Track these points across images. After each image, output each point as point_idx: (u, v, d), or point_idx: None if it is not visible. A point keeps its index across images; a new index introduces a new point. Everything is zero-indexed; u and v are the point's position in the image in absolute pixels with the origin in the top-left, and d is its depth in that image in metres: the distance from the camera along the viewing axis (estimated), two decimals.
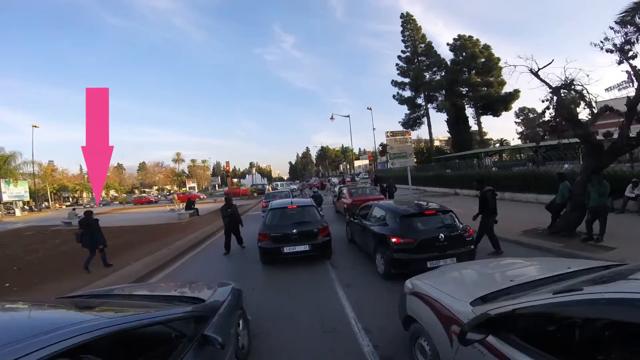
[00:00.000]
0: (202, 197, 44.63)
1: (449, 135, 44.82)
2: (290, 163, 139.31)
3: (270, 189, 34.57)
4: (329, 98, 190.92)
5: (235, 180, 71.24)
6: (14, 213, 35.81)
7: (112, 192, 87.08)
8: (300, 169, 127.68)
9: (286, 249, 6.39)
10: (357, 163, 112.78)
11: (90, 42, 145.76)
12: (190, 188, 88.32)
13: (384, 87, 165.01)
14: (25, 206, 41.89)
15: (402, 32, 41.56)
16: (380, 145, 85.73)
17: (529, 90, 25.42)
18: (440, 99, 40.56)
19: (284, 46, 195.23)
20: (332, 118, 29.72)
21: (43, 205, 50.27)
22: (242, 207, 21.43)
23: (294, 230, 6.49)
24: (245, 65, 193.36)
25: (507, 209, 10.94)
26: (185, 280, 5.87)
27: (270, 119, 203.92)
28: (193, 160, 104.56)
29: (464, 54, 38.10)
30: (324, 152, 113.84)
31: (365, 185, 15.49)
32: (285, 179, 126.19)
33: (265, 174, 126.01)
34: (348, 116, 30.37)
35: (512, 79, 49.35)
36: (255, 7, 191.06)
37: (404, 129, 19.35)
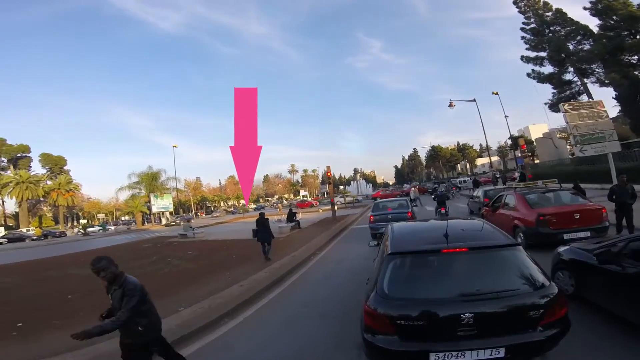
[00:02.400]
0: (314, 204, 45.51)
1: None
2: (395, 167, 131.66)
3: (415, 191, 25.48)
4: (430, 96, 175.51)
5: (341, 187, 70.10)
6: (160, 222, 42.98)
7: (243, 202, 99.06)
8: (407, 172, 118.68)
9: (442, 358, 2.39)
10: (479, 161, 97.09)
11: (214, 72, 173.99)
12: (303, 196, 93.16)
13: (495, 76, 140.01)
14: (170, 216, 49.93)
15: (515, 2, 34.67)
16: (509, 138, 70.87)
17: None
18: (597, 71, 30.52)
19: (372, 52, 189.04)
20: (450, 105, 23.80)
21: (192, 216, 59.76)
22: (344, 218, 18.18)
23: (467, 314, 2.36)
24: (340, 76, 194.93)
25: None
26: None
27: (370, 125, 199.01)
28: (305, 171, 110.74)
29: (614, 17, 28.38)
30: (435, 151, 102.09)
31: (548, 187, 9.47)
32: (391, 184, 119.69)
33: (370, 179, 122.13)
34: (474, 100, 23.76)
35: None
36: (337, 20, 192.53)
37: (590, 101, 12.31)
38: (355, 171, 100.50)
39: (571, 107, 11.03)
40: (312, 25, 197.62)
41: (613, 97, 29.37)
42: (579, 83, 31.77)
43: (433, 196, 13.75)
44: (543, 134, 38.68)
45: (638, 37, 27.11)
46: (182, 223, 36.41)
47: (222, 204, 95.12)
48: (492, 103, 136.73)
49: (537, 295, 2.47)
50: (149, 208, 44.43)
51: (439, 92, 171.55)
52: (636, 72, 28.24)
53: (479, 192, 13.43)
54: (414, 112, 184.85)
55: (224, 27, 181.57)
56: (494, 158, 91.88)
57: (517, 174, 27.44)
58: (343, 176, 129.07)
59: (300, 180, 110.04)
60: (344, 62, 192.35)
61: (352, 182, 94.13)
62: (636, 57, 28.23)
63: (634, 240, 3.29)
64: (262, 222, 9.20)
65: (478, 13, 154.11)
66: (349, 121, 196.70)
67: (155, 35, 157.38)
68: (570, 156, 31.49)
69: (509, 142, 70.36)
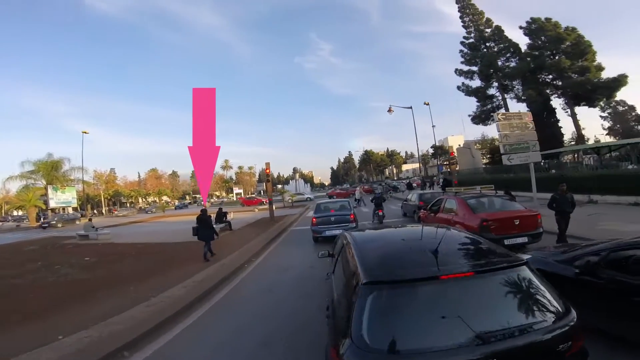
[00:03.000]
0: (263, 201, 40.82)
1: None
2: (332, 168, 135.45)
3: (362, 191, 26.33)
4: (368, 102, 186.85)
5: (279, 186, 68.65)
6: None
7: (165, 198, 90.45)
8: (342, 174, 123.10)
9: None
10: (404, 167, 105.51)
11: (149, 59, 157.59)
12: (237, 194, 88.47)
13: (425, 88, 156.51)
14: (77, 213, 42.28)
15: (461, 17, 36.82)
16: (432, 147, 78.25)
17: None
18: (517, 87, 34.11)
19: (322, 54, 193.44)
20: (389, 110, 24.71)
21: (92, 213, 51.14)
22: (283, 219, 17.15)
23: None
24: (287, 74, 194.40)
25: None
26: None
27: (311, 125, 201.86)
28: (240, 167, 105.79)
29: (542, 37, 32.05)
30: (368, 156, 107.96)
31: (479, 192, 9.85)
32: (327, 184, 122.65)
33: (308, 179, 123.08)
34: (410, 107, 25.02)
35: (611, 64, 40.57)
36: (292, 19, 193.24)
37: (520, 112, 13.47)
38: (295, 170, 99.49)
39: (504, 116, 11.89)
40: (265, 20, 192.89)
41: None
42: (499, 98, 34.99)
43: (371, 198, 13.64)
44: (462, 145, 43.06)
45: (557, 57, 30.80)
46: (60, 224, 30.23)
47: (140, 200, 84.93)
48: (417, 113, 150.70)
49: (561, 325, 1.89)
50: (46, 202, 36.84)
51: (375, 100, 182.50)
52: (548, 91, 32.34)
53: (413, 195, 13.71)
54: (351, 116, 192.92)
55: (168, 13, 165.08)
56: (417, 165, 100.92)
57: (440, 180, 29.97)
58: (281, 175, 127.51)
59: (234, 177, 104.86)
60: (293, 62, 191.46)
61: (290, 181, 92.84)
62: (550, 76, 32.14)
63: (615, 250, 3.06)
64: (204, 219, 8.70)
65: (421, 27, 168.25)
66: (289, 120, 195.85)
67: (88, 15, 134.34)
68: (483, 165, 35.76)
69: (431, 150, 78.22)
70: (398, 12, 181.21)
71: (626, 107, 52.10)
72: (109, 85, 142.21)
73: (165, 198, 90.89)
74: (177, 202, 71.22)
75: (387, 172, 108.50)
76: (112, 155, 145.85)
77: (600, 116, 54.03)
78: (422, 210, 10.36)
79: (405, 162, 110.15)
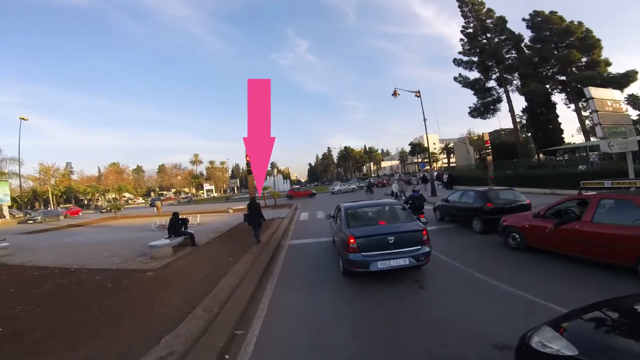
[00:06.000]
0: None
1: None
2: (309, 165, 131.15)
3: (402, 184, 20.32)
4: (342, 101, 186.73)
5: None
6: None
7: (128, 195, 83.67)
8: (320, 170, 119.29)
9: None
10: (383, 164, 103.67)
11: (113, 49, 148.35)
12: (208, 191, 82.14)
13: (394, 86, 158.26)
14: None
15: (460, 6, 34.79)
16: (410, 144, 76.07)
17: None
18: (516, 80, 32.01)
19: (298, 50, 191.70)
20: (394, 94, 20.99)
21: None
22: (270, 224, 12.59)
23: None
24: (261, 70, 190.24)
25: None
26: None
27: (285, 122, 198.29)
28: (211, 162, 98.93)
29: (547, 31, 30.15)
30: (347, 152, 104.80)
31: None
32: (303, 181, 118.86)
33: (285, 176, 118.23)
34: (418, 92, 21.35)
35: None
36: (269, 14, 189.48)
37: (611, 89, 10.03)
38: (273, 166, 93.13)
39: (597, 92, 8.53)
40: (241, 15, 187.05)
41: (524, 109, 31.62)
42: (499, 90, 33.11)
43: (405, 198, 9.81)
44: (459, 139, 40.70)
45: (562, 51, 29.15)
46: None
47: (100, 197, 76.61)
48: (390, 114, 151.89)
49: None
50: None
51: (349, 99, 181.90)
52: (548, 85, 30.47)
53: (461, 195, 9.68)
54: (325, 114, 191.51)
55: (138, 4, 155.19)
56: (395, 162, 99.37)
57: (444, 176, 26.96)
58: None
59: (205, 173, 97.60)
60: (268, 58, 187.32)
61: (268, 176, 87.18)
62: (552, 70, 30.30)
63: None
64: (254, 206, 9.26)
65: (396, 29, 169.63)
66: None
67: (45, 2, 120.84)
68: (474, 162, 33.31)
69: (410, 148, 75.90)
70: (374, 13, 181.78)
71: None
72: (73, 78, 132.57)
73: (127, 195, 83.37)
74: (119, 201, 62.34)
75: (364, 169, 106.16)
76: (75, 150, 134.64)
77: (583, 115, 54.32)
78: (512, 217, 6.50)
79: (383, 160, 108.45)
